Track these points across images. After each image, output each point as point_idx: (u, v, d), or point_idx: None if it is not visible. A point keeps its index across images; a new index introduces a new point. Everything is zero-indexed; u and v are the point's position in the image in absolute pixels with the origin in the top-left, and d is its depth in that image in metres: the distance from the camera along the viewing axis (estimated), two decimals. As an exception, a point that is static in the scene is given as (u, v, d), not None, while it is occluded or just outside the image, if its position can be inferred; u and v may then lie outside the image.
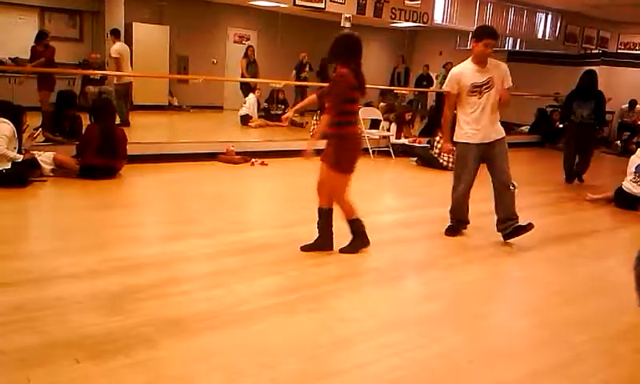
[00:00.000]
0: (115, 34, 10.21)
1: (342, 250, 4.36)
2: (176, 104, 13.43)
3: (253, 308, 3.38)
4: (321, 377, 2.70)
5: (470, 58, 4.95)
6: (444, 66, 14.03)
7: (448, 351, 3.06)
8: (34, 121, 7.11)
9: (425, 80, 15.06)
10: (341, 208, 4.32)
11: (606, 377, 2.96)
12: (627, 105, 13.73)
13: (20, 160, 5.86)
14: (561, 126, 10.81)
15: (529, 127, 13.34)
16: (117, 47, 10.02)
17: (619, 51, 14.60)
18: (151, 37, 12.87)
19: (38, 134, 6.87)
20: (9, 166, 5.77)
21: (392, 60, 16.60)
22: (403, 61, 13.72)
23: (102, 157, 6.36)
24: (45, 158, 6.24)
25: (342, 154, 4.15)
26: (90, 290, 3.44)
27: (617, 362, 3.13)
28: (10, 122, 5.85)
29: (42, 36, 8.91)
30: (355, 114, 4.31)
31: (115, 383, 2.50)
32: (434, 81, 14.81)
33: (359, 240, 4.41)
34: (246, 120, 11.43)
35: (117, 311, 3.17)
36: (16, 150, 5.91)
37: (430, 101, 14.75)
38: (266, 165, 7.93)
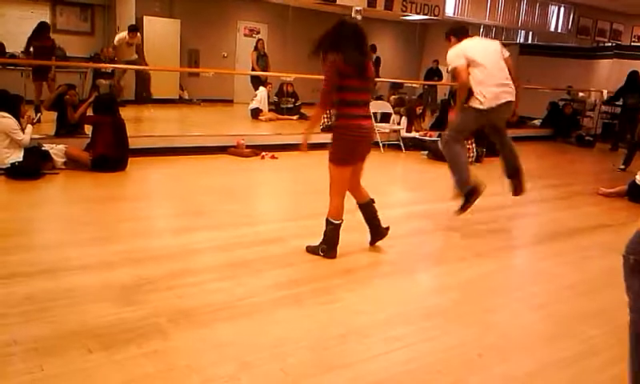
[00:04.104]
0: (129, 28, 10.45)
1: (307, 248, 4.21)
2: (187, 97, 13.46)
3: (263, 300, 3.39)
4: (331, 368, 2.71)
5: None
6: None
7: (458, 344, 3.05)
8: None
9: (435, 74, 14.99)
10: (329, 203, 4.09)
11: (618, 370, 2.93)
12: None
13: (30, 139, 6.00)
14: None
15: (541, 120, 13.24)
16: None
17: (633, 44, 14.43)
18: (162, 30, 12.88)
19: (38, 120, 6.86)
20: (21, 159, 5.83)
21: (403, 54, 16.53)
22: (374, 51, 13.66)
23: (114, 148, 6.42)
24: (57, 150, 6.28)
25: (335, 144, 4.00)
26: (102, 281, 3.47)
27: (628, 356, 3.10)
28: (10, 116, 5.89)
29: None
30: (354, 105, 3.94)
31: (127, 373, 2.52)
32: (445, 74, 14.73)
33: (326, 246, 4.13)
34: (256, 113, 11.43)
35: (128, 302, 3.20)
36: None
37: (441, 95, 14.68)
38: (276, 158, 7.93)
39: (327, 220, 4.11)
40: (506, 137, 5.38)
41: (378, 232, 4.37)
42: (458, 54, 4.97)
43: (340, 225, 4.11)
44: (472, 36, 5.27)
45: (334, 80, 3.85)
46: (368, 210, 4.31)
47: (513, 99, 5.03)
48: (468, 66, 4.89)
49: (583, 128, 13.15)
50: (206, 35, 13.92)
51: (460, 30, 5.22)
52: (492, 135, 5.40)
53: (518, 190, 5.41)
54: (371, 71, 4.05)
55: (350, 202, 4.31)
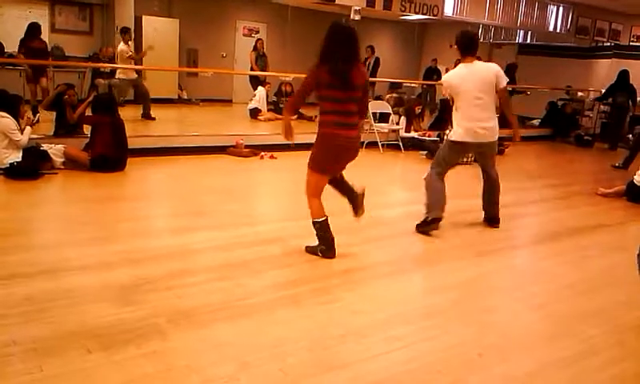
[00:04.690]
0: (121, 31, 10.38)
1: (306, 248, 4.21)
2: (185, 97, 13.45)
3: (262, 300, 3.39)
4: (330, 368, 2.71)
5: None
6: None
7: (458, 344, 3.05)
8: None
9: (434, 73, 14.99)
10: (308, 206, 4.09)
11: (617, 370, 2.94)
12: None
13: (28, 140, 6.01)
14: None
15: (540, 120, 13.25)
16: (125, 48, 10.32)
17: (631, 44, 14.42)
18: (161, 30, 12.88)
19: (36, 120, 6.85)
20: (19, 159, 5.82)
21: (402, 53, 16.52)
22: (373, 52, 13.70)
23: (113, 148, 6.41)
24: (55, 150, 6.28)
25: (318, 152, 3.99)
26: (101, 281, 3.47)
27: (628, 355, 3.11)
28: (9, 116, 5.89)
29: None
30: (338, 115, 3.87)
31: (126, 373, 2.51)
32: (444, 74, 14.73)
33: (324, 246, 4.13)
34: (255, 113, 11.42)
35: (128, 302, 3.19)
36: None
37: (440, 94, 14.67)
38: (276, 158, 7.93)
39: (313, 222, 4.10)
40: (492, 176, 5.20)
41: (352, 196, 4.22)
42: (444, 86, 4.97)
43: (326, 221, 4.08)
44: (477, 57, 4.97)
45: (311, 87, 3.86)
46: (335, 180, 4.19)
47: (492, 140, 4.92)
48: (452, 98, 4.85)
49: (582, 128, 13.17)
50: (205, 35, 13.92)
51: (466, 47, 4.87)
52: (480, 164, 5.30)
53: (488, 223, 5.34)
54: (359, 78, 3.88)
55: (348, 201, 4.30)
